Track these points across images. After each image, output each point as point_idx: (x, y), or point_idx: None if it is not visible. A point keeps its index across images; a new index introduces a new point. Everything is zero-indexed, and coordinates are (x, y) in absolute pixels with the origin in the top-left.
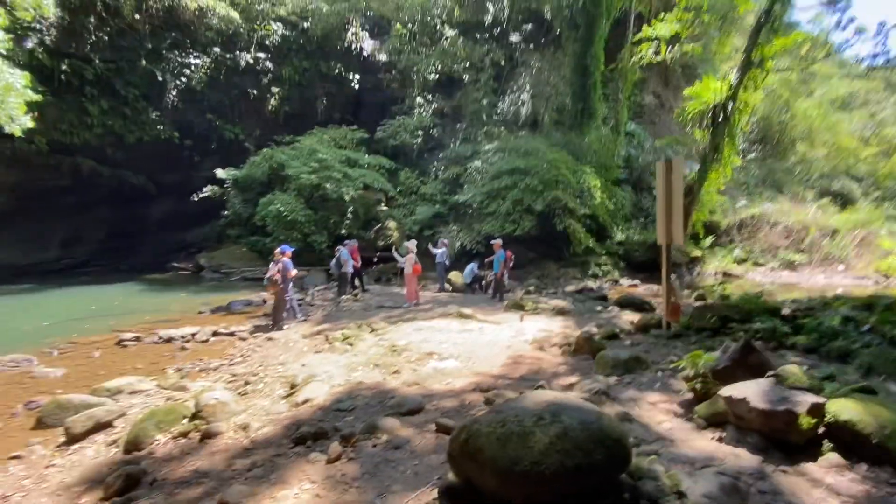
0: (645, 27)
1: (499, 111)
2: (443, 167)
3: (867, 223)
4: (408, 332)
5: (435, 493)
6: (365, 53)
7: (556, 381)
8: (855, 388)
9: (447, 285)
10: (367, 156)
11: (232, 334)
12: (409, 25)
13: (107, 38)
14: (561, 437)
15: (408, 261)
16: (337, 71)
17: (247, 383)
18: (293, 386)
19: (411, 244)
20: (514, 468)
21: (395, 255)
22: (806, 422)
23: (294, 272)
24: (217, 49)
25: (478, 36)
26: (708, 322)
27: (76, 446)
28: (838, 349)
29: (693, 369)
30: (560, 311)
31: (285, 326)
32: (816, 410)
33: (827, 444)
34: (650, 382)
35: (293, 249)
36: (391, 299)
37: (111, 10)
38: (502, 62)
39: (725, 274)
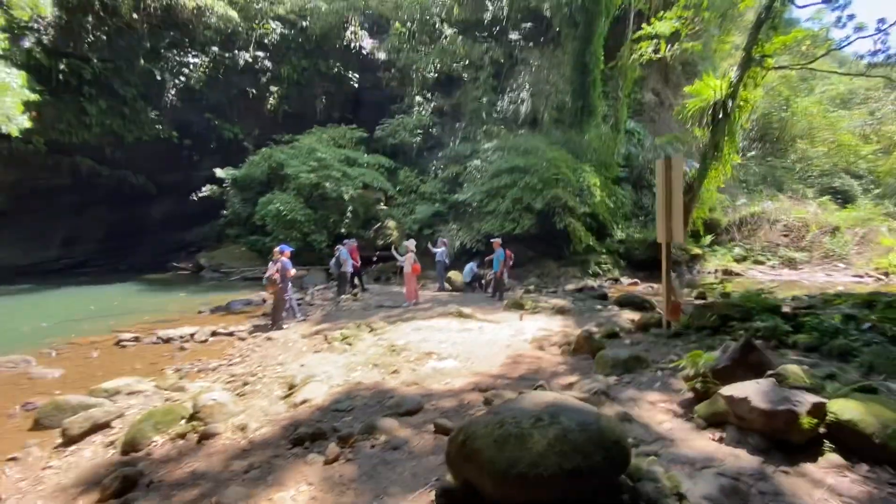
0: (644, 25)
1: (498, 109)
2: (442, 166)
3: (867, 220)
4: (407, 332)
5: (433, 495)
6: (364, 52)
7: (556, 381)
8: (856, 387)
9: (447, 284)
10: (366, 155)
11: (231, 334)
12: (409, 24)
13: (105, 37)
14: (559, 439)
15: (407, 260)
16: (336, 70)
17: (245, 384)
18: (292, 386)
19: (411, 243)
20: (512, 470)
21: (395, 254)
22: (807, 422)
23: (293, 272)
24: (216, 48)
25: (477, 34)
26: (708, 321)
27: (73, 448)
28: (839, 347)
29: (693, 368)
30: (560, 310)
31: (284, 326)
32: (817, 410)
33: (828, 445)
34: (650, 382)
35: (292, 249)
36: (390, 299)
37: (109, 9)
38: (502, 60)
39: (726, 272)
